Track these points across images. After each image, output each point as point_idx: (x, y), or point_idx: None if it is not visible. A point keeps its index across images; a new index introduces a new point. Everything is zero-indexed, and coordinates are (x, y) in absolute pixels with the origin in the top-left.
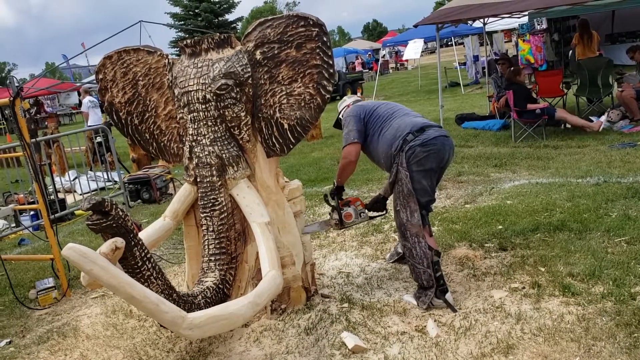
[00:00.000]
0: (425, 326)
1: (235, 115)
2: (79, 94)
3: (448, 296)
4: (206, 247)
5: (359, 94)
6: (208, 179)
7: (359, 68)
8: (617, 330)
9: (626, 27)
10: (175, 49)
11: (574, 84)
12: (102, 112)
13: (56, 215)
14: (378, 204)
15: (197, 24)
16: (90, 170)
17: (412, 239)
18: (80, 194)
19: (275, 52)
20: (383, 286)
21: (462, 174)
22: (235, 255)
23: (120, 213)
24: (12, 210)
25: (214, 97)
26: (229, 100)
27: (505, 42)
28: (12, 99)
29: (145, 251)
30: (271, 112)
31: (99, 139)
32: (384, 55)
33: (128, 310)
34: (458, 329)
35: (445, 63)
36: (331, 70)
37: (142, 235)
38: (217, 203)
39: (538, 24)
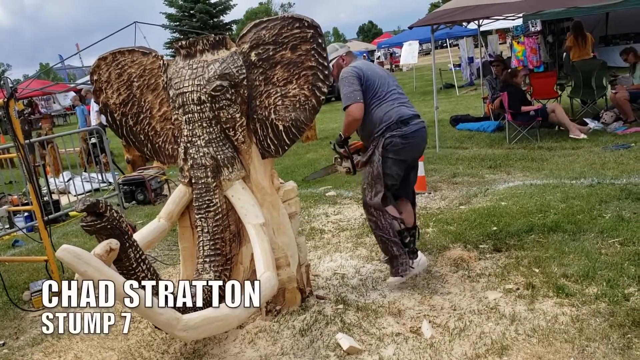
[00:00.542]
0: (419, 327)
1: (230, 116)
2: (79, 96)
3: (421, 256)
4: (201, 248)
5: None
6: (203, 180)
7: None
8: (610, 331)
9: (620, 29)
10: (171, 50)
11: (568, 86)
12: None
13: (50, 216)
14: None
15: (192, 25)
16: (85, 171)
17: (377, 212)
18: (75, 195)
19: (270, 53)
20: (378, 287)
21: (457, 176)
22: (230, 256)
23: (115, 214)
24: (5, 211)
25: (209, 99)
26: (224, 101)
27: (499, 44)
28: (6, 99)
29: (140, 252)
30: (266, 113)
31: (93, 140)
32: (379, 56)
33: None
34: (453, 330)
35: (440, 65)
36: (326, 72)
37: (137, 236)
38: (212, 204)
39: (532, 26)
